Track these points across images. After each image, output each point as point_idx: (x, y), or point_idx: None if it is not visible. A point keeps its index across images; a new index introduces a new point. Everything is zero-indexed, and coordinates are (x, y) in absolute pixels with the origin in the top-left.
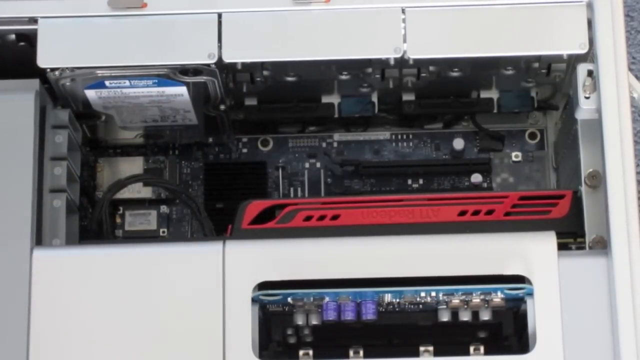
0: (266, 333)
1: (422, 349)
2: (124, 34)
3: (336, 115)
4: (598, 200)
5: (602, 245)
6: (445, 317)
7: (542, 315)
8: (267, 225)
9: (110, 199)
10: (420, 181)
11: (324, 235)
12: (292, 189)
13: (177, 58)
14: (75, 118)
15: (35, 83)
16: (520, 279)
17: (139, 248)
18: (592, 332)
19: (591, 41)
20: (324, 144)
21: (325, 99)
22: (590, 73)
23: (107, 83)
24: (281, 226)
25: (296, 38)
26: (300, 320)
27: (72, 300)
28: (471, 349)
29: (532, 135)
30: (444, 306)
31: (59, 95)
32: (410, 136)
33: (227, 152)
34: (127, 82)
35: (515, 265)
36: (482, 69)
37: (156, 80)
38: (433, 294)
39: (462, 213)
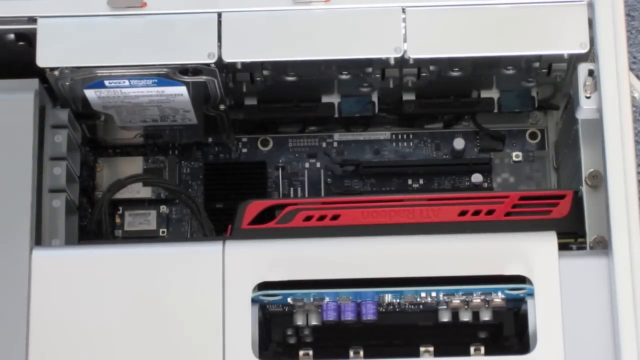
0: (266, 333)
1: (422, 349)
2: (123, 34)
3: (336, 115)
4: (599, 200)
5: (603, 245)
6: (445, 317)
7: (542, 316)
8: (267, 225)
9: (109, 199)
10: (421, 181)
11: (324, 235)
12: (292, 189)
13: (176, 58)
14: (75, 118)
15: (34, 83)
16: (520, 279)
17: (139, 248)
18: (593, 332)
19: (592, 41)
20: (324, 144)
21: (325, 99)
22: (591, 73)
23: (106, 83)
24: (281, 226)
25: (296, 38)
26: (300, 320)
27: (71, 300)
28: (472, 349)
29: (533, 135)
30: (445, 306)
31: (58, 95)
32: (411, 136)
33: (227, 152)
34: (126, 82)
35: (515, 265)
36: (483, 69)
37: (156, 80)
38: (433, 294)
39: (463, 213)
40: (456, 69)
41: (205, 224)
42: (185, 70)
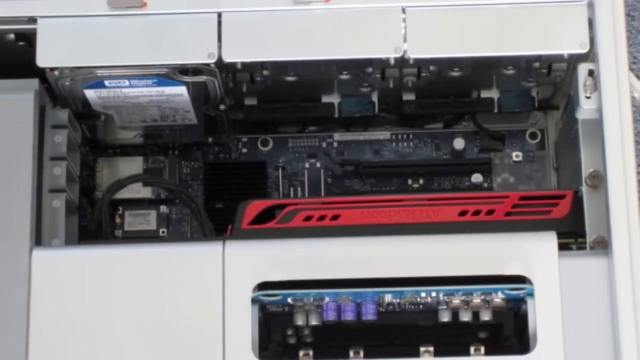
0: (266, 333)
1: (422, 349)
2: (123, 34)
3: (336, 115)
4: (599, 200)
5: (603, 245)
6: (445, 317)
7: (542, 316)
8: (267, 225)
9: (109, 199)
10: (421, 181)
11: (324, 235)
12: (292, 189)
13: (176, 58)
14: (75, 118)
15: (34, 83)
16: (520, 279)
17: (139, 248)
18: (593, 332)
19: (592, 41)
20: (324, 144)
21: (325, 99)
22: (591, 73)
23: (106, 83)
24: (281, 226)
25: (296, 38)
26: (300, 320)
27: (71, 300)
28: (472, 349)
29: (533, 135)
30: (445, 306)
31: (58, 95)
32: (411, 136)
33: (227, 152)
34: (126, 82)
35: (515, 265)
36: (483, 69)
37: (156, 80)
38: (433, 294)
39: (463, 213)
40: (456, 69)
41: (205, 224)
42: (185, 70)
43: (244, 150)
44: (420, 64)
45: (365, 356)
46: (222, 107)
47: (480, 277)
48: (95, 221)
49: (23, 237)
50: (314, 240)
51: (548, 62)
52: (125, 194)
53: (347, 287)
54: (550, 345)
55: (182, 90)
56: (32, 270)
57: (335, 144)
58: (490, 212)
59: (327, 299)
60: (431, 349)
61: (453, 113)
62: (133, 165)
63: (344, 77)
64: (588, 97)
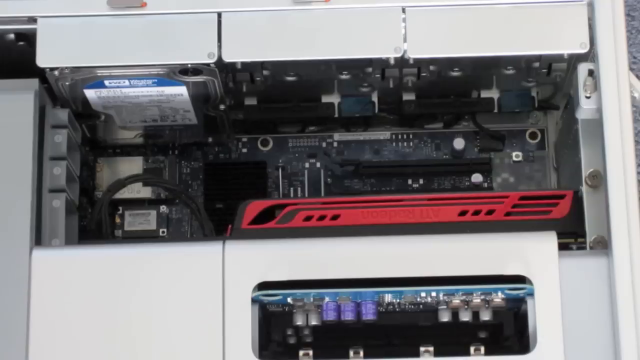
0: (266, 333)
1: (422, 349)
2: (123, 34)
3: (336, 115)
4: (599, 200)
5: (603, 245)
6: (445, 317)
7: (542, 316)
8: (267, 225)
9: (109, 199)
10: (421, 181)
11: (324, 235)
12: (292, 189)
13: (176, 57)
14: (75, 118)
15: (34, 83)
16: (520, 279)
17: (139, 248)
18: (593, 332)
19: (592, 41)
20: (324, 144)
21: (325, 99)
22: (591, 73)
23: (106, 83)
24: (281, 226)
25: (296, 38)
26: (300, 320)
27: (71, 300)
28: (471, 349)
29: (533, 135)
30: (445, 306)
31: (58, 94)
32: (411, 136)
33: (227, 152)
34: (126, 82)
35: (515, 265)
36: (483, 69)
37: (156, 80)
38: (433, 294)
39: (463, 213)
40: (456, 69)
41: (205, 224)
42: (185, 70)
43: (244, 150)
44: (420, 64)
45: (365, 356)
46: (222, 107)
47: (480, 277)
48: (95, 221)
49: (23, 237)
50: (314, 240)
51: (548, 62)
52: (125, 194)
53: (347, 287)
54: (550, 345)
55: (182, 90)
56: (32, 270)
57: (335, 144)
58: (490, 212)
59: (327, 299)
60: (431, 349)
61: (453, 113)
62: (133, 165)
63: (344, 77)
64: (588, 97)
